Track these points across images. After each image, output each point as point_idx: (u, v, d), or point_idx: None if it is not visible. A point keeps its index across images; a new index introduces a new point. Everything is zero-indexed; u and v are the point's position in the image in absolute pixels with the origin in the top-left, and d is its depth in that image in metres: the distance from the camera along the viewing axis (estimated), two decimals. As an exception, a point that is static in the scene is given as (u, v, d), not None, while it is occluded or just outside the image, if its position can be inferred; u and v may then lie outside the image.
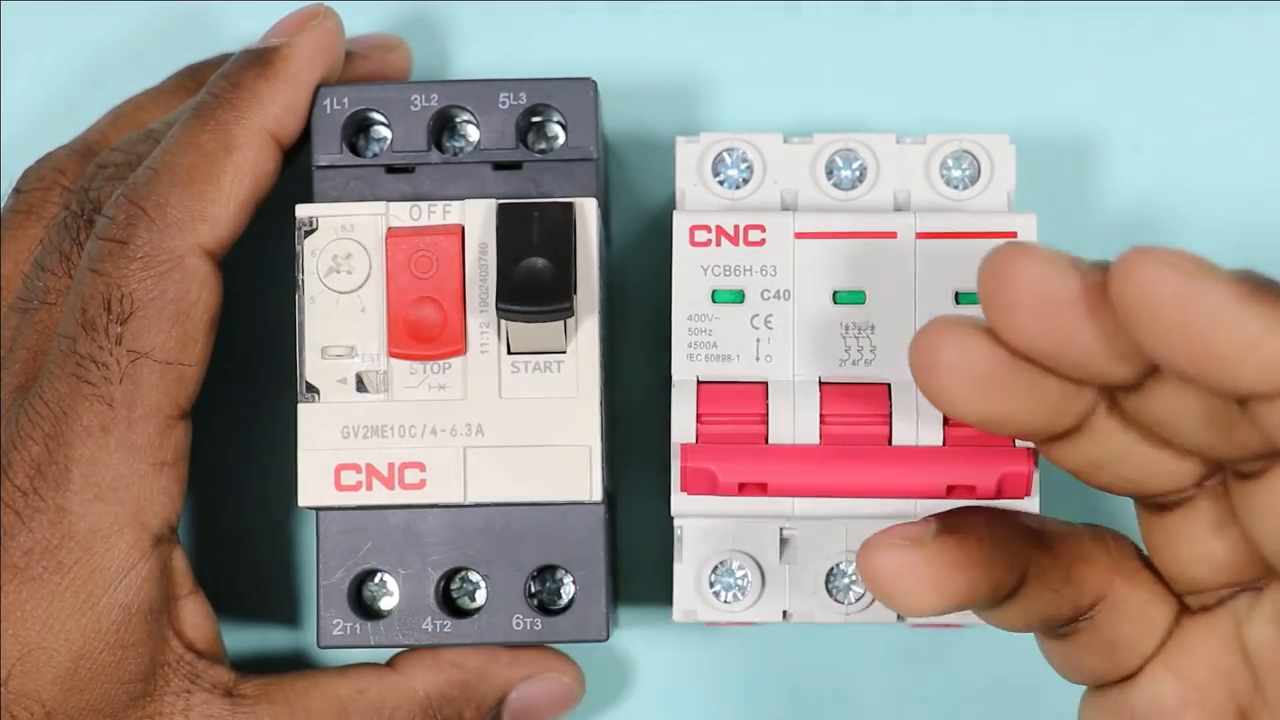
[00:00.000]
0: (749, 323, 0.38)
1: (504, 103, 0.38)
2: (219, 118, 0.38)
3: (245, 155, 0.38)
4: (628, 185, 0.43)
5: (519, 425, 0.38)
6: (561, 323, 0.37)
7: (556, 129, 0.39)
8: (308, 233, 0.38)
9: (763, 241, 0.38)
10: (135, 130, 0.40)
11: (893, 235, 0.38)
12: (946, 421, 0.38)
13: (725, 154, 0.39)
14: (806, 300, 0.38)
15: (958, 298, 0.38)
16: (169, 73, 0.42)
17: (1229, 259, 0.42)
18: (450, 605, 0.39)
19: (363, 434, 0.38)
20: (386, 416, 0.38)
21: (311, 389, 0.38)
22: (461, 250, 0.37)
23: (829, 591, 0.39)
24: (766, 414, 0.38)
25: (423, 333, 0.37)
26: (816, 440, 0.38)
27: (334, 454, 0.38)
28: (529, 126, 0.39)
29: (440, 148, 0.39)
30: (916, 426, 0.38)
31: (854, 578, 0.40)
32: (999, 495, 0.37)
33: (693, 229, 0.38)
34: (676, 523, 0.40)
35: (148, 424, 0.37)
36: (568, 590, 0.39)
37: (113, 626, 0.37)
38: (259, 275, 0.41)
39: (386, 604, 0.39)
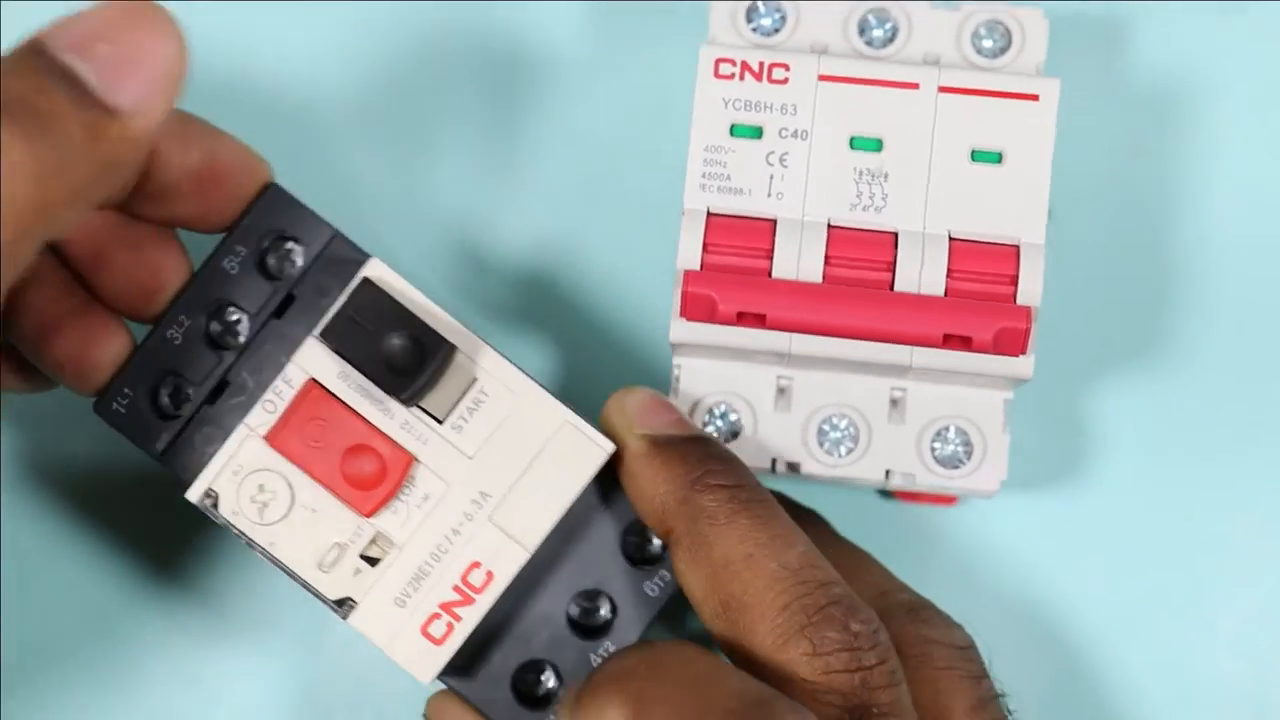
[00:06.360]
0: (764, 159, 0.39)
1: (232, 268, 0.38)
2: None
3: None
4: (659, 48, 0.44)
5: (506, 462, 0.37)
6: (454, 361, 0.37)
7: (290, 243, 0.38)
8: (215, 504, 0.37)
9: (786, 80, 0.39)
10: None
11: (915, 86, 0.38)
12: (950, 274, 0.38)
13: (760, 3, 0.40)
14: (824, 142, 0.39)
15: (973, 155, 0.38)
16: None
17: (1254, 129, 0.43)
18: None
19: (413, 590, 0.37)
20: (413, 561, 0.37)
21: (343, 602, 0.37)
22: (330, 394, 0.37)
23: (820, 444, 0.40)
24: (772, 250, 0.38)
25: (373, 479, 0.37)
26: (819, 280, 0.38)
27: (410, 625, 0.37)
28: (269, 254, 0.38)
29: (226, 344, 0.38)
30: (919, 278, 0.38)
31: (845, 432, 0.40)
32: (995, 349, 0.37)
33: (718, 61, 0.39)
34: (675, 361, 0.40)
35: None
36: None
37: None
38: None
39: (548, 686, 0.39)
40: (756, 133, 0.39)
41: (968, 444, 0.39)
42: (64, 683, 0.43)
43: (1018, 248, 0.38)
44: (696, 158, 0.39)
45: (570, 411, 0.37)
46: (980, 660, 0.37)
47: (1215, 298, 0.43)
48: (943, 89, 0.38)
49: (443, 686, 0.38)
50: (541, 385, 0.37)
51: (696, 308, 0.38)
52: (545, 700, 0.38)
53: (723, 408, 0.40)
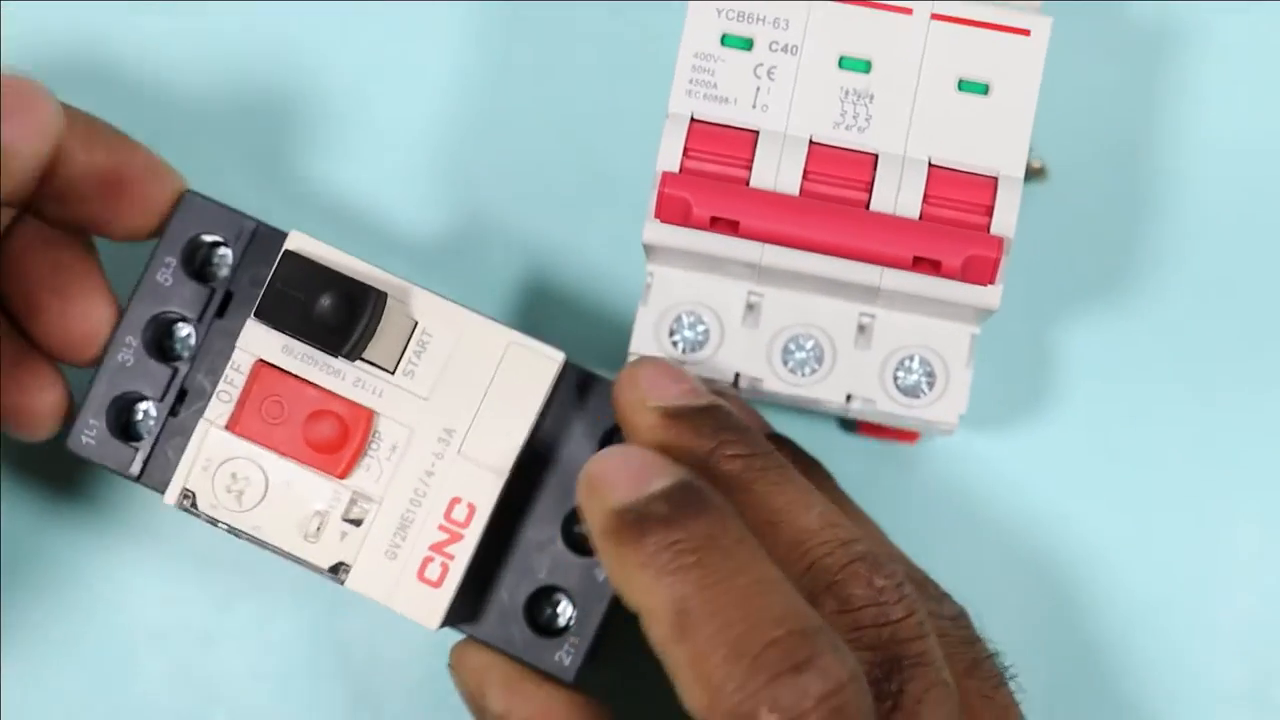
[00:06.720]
0: (752, 71, 0.39)
1: (165, 280, 0.39)
2: None
3: None
4: None
5: (462, 395, 0.38)
6: (391, 310, 0.37)
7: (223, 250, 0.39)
8: (193, 503, 0.38)
9: (781, -6, 0.39)
10: None
11: (908, 11, 0.39)
12: (926, 199, 0.38)
13: (764, -77, 0.40)
14: (813, 59, 0.39)
15: (960, 84, 0.38)
16: (168, 74, 0.43)
17: (1239, 75, 0.43)
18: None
19: (400, 539, 0.37)
20: (395, 511, 0.37)
21: (337, 568, 0.38)
22: (282, 371, 0.38)
23: (784, 362, 0.40)
24: (752, 160, 0.38)
25: (337, 441, 0.37)
26: (796, 194, 0.38)
27: (405, 574, 0.37)
28: (198, 259, 0.39)
29: (177, 355, 0.39)
30: (895, 201, 0.38)
31: (811, 353, 0.40)
32: (964, 276, 0.38)
33: (715, -32, 0.39)
34: (648, 268, 0.40)
35: None
36: None
37: None
38: None
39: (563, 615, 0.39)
40: (747, 44, 0.39)
41: (930, 375, 0.40)
42: (62, 681, 0.43)
43: (996, 179, 0.38)
44: (685, 64, 0.39)
45: (515, 332, 0.38)
46: (971, 626, 0.38)
47: (1190, 240, 0.43)
48: (935, 16, 0.39)
49: (461, 638, 0.38)
50: (482, 314, 0.38)
51: (671, 210, 0.38)
52: (564, 629, 0.38)
53: (691, 318, 0.40)
